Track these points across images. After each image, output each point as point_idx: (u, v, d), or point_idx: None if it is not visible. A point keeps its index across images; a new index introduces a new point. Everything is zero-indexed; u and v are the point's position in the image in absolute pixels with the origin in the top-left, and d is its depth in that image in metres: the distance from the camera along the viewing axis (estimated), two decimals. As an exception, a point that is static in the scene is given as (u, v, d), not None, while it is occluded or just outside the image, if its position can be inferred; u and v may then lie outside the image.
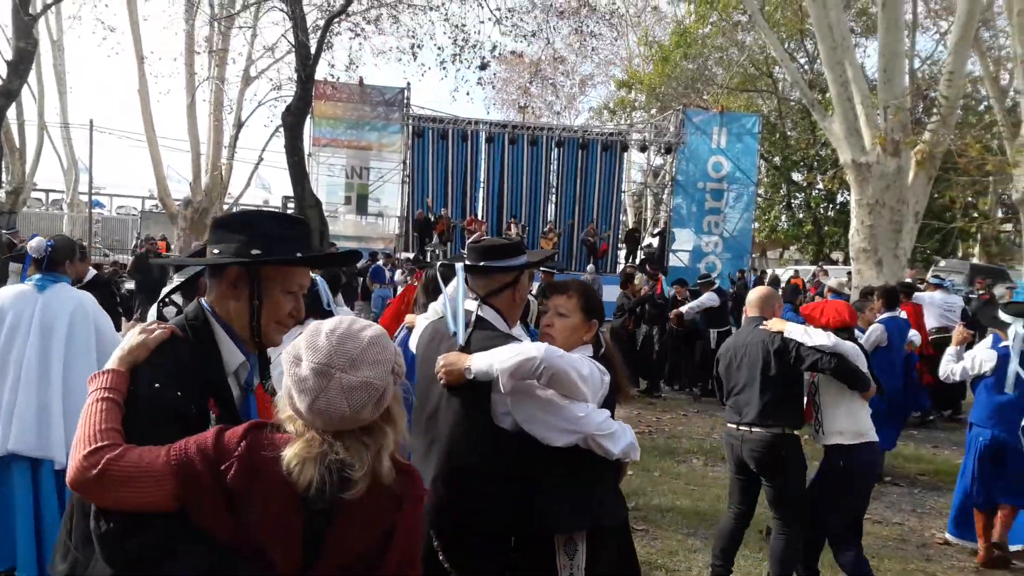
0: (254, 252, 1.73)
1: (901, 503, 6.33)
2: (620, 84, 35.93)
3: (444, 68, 16.50)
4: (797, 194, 32.82)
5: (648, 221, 25.96)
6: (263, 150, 29.26)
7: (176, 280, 3.49)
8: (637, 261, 20.73)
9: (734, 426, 4.33)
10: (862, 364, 4.19)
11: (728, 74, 30.11)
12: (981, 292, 16.43)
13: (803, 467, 4.26)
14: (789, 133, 31.07)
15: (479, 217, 20.90)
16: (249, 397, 1.82)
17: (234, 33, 22.50)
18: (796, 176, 32.39)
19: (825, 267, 17.41)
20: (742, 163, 22.16)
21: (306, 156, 16.85)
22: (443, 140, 21.02)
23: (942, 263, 26.84)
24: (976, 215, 30.70)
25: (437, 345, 2.50)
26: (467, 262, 2.50)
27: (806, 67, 27.49)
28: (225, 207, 27.14)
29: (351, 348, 1.48)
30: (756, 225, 30.18)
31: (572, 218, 21.97)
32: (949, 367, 5.46)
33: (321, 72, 16.71)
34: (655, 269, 13.94)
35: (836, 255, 31.44)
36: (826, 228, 30.68)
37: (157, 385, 1.61)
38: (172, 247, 22.28)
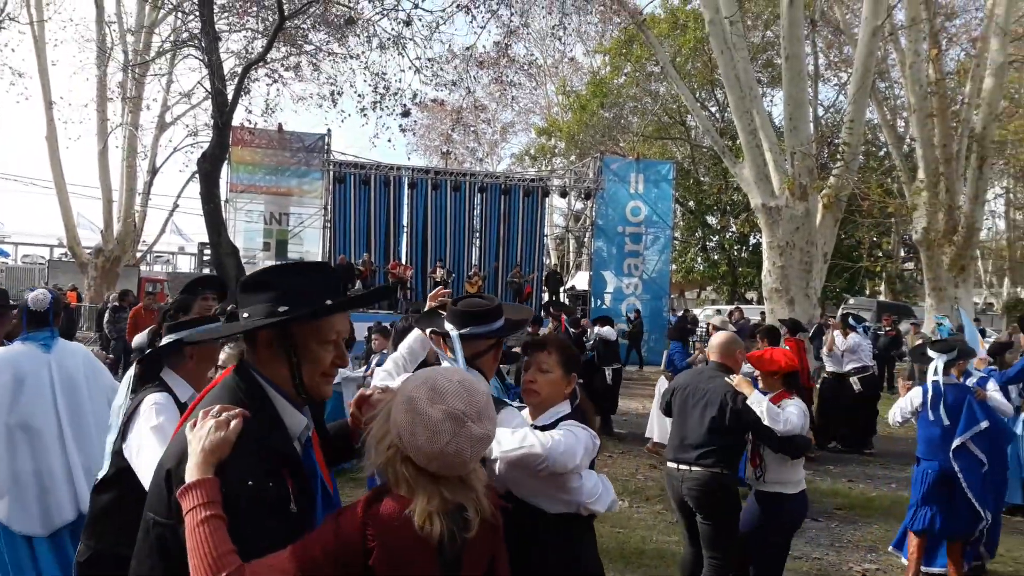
0: (281, 309, 1.66)
1: (820, 538, 6.48)
2: (540, 131, 36.74)
3: (365, 115, 16.52)
4: (712, 237, 33.96)
5: (571, 264, 26.37)
6: (178, 196, 28.11)
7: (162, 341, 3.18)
8: (560, 301, 21.01)
9: (675, 465, 4.40)
10: (806, 423, 4.33)
11: (643, 122, 31.17)
12: (888, 328, 17.21)
13: (738, 508, 4.36)
14: (703, 178, 32.23)
15: (404, 261, 20.84)
16: (309, 451, 1.75)
17: (148, 79, 22.06)
18: (711, 219, 33.57)
19: (740, 307, 18.04)
20: (659, 208, 22.83)
21: (223, 202, 16.50)
22: (365, 186, 20.95)
23: (851, 301, 28.12)
24: (881, 255, 32.38)
25: None
26: (450, 325, 2.54)
27: (717, 115, 28.69)
28: (139, 255, 26.27)
29: (479, 400, 1.58)
30: (673, 267, 31.01)
31: (496, 261, 22.13)
32: (894, 413, 5.72)
33: (239, 118, 16.51)
34: (558, 310, 14.11)
35: (751, 295, 32.59)
36: (740, 269, 31.77)
37: (251, 482, 1.52)
38: (83, 297, 21.34)
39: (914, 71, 18.43)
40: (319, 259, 21.21)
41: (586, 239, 23.79)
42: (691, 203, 33.01)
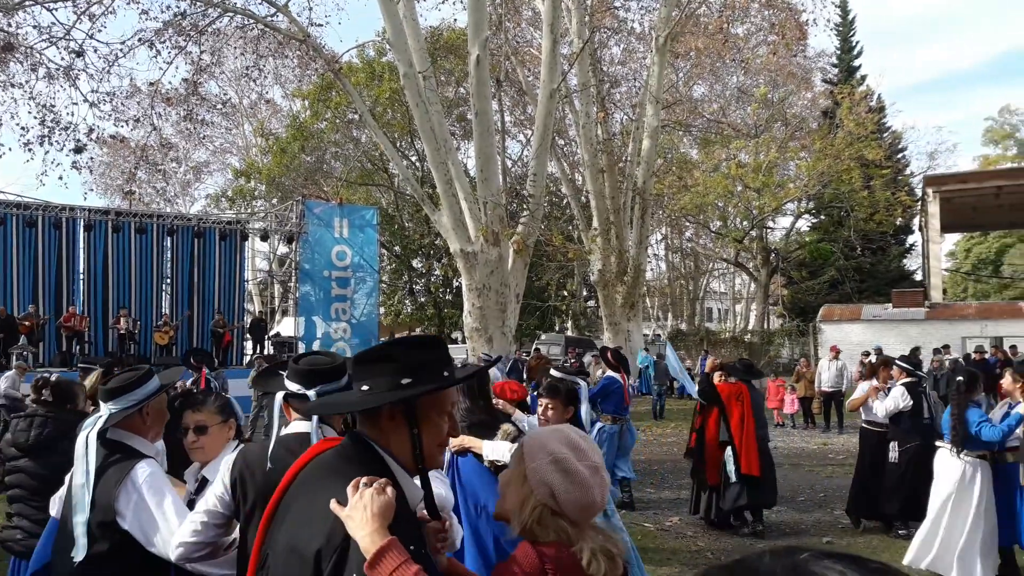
0: (404, 382, 1.70)
1: None
2: (238, 173, 35.25)
3: (30, 150, 14.68)
4: (418, 280, 34.91)
5: (277, 310, 25.46)
6: None
7: (108, 411, 2.77)
8: (266, 352, 20.15)
9: None
10: None
11: (346, 168, 31.33)
12: (572, 360, 18.91)
13: None
14: (407, 223, 33.11)
15: (80, 311, 18.57)
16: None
17: None
18: (416, 263, 34.53)
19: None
20: (365, 252, 23.00)
21: None
22: (31, 228, 18.43)
23: (543, 336, 30.45)
24: (566, 294, 35.60)
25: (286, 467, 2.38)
26: (296, 385, 2.49)
27: (417, 164, 29.74)
28: None
29: (598, 454, 1.85)
30: (382, 310, 31.35)
31: (190, 308, 20.62)
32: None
33: None
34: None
35: (456, 335, 33.94)
36: (445, 310, 32.97)
37: (412, 547, 1.52)
38: None
39: (586, 131, 20.81)
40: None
41: (291, 284, 23.16)
42: (397, 247, 33.70)
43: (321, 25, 36.02)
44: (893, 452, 7.09)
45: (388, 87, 26.43)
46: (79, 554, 2.59)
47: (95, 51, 14.53)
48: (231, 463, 2.42)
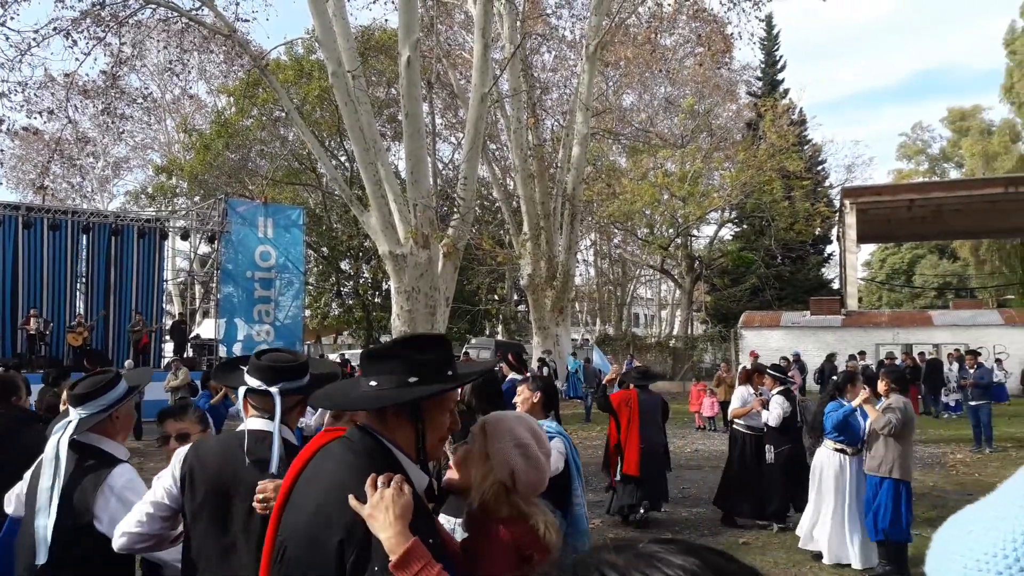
0: (411, 380, 1.80)
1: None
2: (159, 169, 34.12)
3: (-69, 139, 13.89)
4: (346, 282, 34.44)
5: (198, 311, 24.71)
6: None
7: (77, 416, 2.79)
8: (186, 355, 19.55)
9: None
10: None
11: (272, 166, 30.68)
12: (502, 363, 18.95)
13: None
14: (335, 224, 32.62)
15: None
16: None
17: None
18: (344, 265, 34.05)
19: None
20: (290, 253, 22.57)
21: None
22: (-70, 222, 17.48)
23: (473, 340, 30.44)
24: (496, 298, 35.66)
25: (235, 466, 2.36)
26: (257, 380, 2.47)
27: (346, 164, 29.34)
28: None
29: (548, 443, 2.13)
30: (308, 313, 30.79)
31: (106, 308, 19.86)
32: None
33: None
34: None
35: (385, 338, 33.59)
36: (374, 313, 32.60)
37: (431, 540, 1.63)
38: None
39: (517, 136, 20.92)
40: None
41: (213, 285, 22.53)
42: (324, 249, 33.16)
43: (248, 20, 35.35)
44: (769, 454, 7.64)
45: (317, 85, 26.02)
46: (41, 557, 2.61)
47: (6, 39, 13.83)
48: (182, 457, 2.40)
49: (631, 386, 8.03)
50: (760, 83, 37.70)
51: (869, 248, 47.72)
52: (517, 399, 4.29)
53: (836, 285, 34.77)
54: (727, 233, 38.18)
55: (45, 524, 2.63)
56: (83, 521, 2.61)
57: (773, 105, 30.80)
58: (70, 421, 2.78)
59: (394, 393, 1.80)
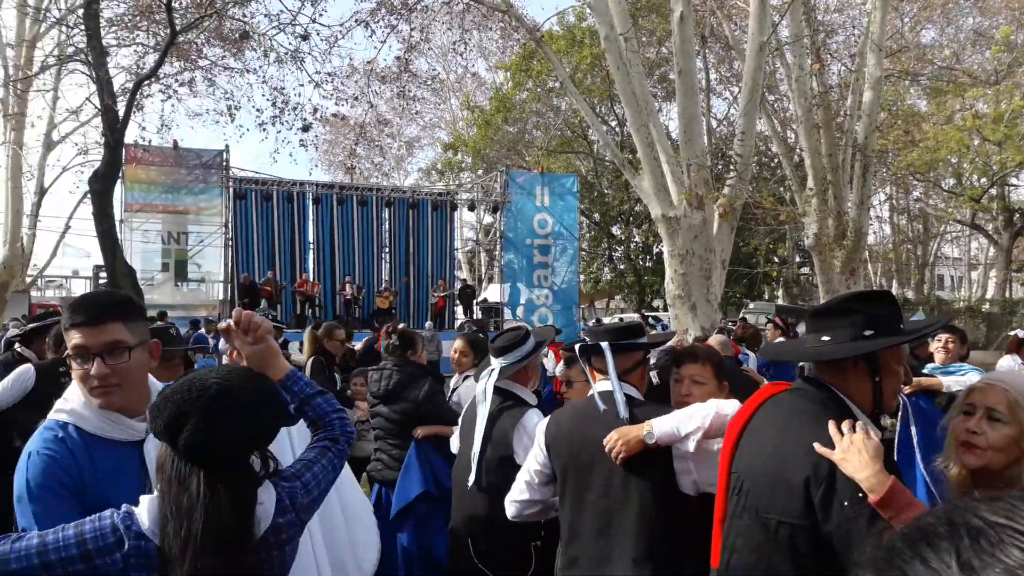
0: (867, 334, 1.87)
1: None
2: (446, 146, 36.77)
3: (264, 130, 16.24)
4: (617, 247, 34.70)
5: (483, 277, 26.46)
6: (70, 218, 26.75)
7: (499, 365, 3.30)
8: (474, 316, 21.04)
9: None
10: None
11: (546, 136, 31.64)
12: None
13: None
14: (606, 190, 32.93)
15: (311, 278, 20.42)
16: None
17: (32, 95, 20.96)
18: (615, 230, 34.32)
19: (646, 314, 18.59)
20: (565, 220, 23.21)
21: (118, 222, 15.81)
22: (267, 202, 20.46)
23: (751, 305, 29.21)
24: (776, 260, 33.84)
25: (588, 426, 2.52)
26: (595, 342, 2.60)
27: (617, 129, 29.40)
28: (28, 280, 24.90)
29: None
30: (582, 278, 31.55)
31: (407, 276, 22.00)
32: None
33: (131, 135, 15.91)
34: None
35: (657, 302, 33.45)
36: (646, 278, 32.55)
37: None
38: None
39: (800, 85, 19.39)
40: (221, 276, 20.60)
41: (496, 252, 23.93)
42: (596, 215, 33.65)
43: (522, -5, 36.57)
44: None
45: (588, 52, 26.29)
46: (471, 480, 3.12)
47: (318, 34, 15.72)
48: (543, 429, 2.67)
49: None
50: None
51: None
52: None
53: None
54: (1056, 180, 32.55)
55: (474, 453, 3.11)
56: (506, 453, 3.05)
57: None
58: (492, 369, 3.21)
59: (856, 345, 1.86)
